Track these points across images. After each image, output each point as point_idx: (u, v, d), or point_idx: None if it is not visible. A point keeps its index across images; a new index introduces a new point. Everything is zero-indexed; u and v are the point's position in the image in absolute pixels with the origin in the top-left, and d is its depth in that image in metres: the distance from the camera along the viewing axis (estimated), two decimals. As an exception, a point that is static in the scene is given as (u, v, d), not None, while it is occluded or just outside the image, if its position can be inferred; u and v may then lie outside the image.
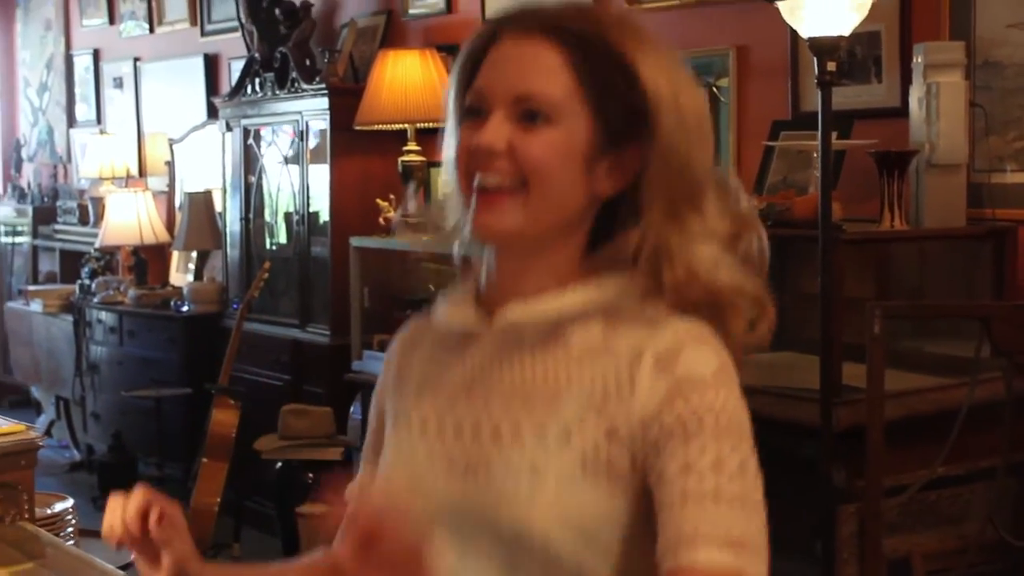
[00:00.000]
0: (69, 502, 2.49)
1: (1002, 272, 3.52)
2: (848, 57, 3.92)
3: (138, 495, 1.39)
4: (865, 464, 3.03)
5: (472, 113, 1.41)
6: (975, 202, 3.62)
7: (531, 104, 1.37)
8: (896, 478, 3.12)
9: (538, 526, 1.31)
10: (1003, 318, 3.03)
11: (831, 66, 2.99)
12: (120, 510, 1.38)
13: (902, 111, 3.74)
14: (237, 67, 6.57)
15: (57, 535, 2.19)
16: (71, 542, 2.32)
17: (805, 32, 3.07)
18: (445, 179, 1.49)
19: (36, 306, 7.82)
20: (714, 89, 4.54)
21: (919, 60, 3.53)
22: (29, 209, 8.58)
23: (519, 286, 1.43)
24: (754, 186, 4.07)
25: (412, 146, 5.15)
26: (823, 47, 2.99)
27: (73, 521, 2.67)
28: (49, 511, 2.57)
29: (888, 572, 3.08)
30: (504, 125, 1.37)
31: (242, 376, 5.71)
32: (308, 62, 5.84)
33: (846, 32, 3.03)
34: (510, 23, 1.41)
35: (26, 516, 1.86)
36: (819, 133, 3.09)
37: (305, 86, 5.70)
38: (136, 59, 7.82)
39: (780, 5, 3.08)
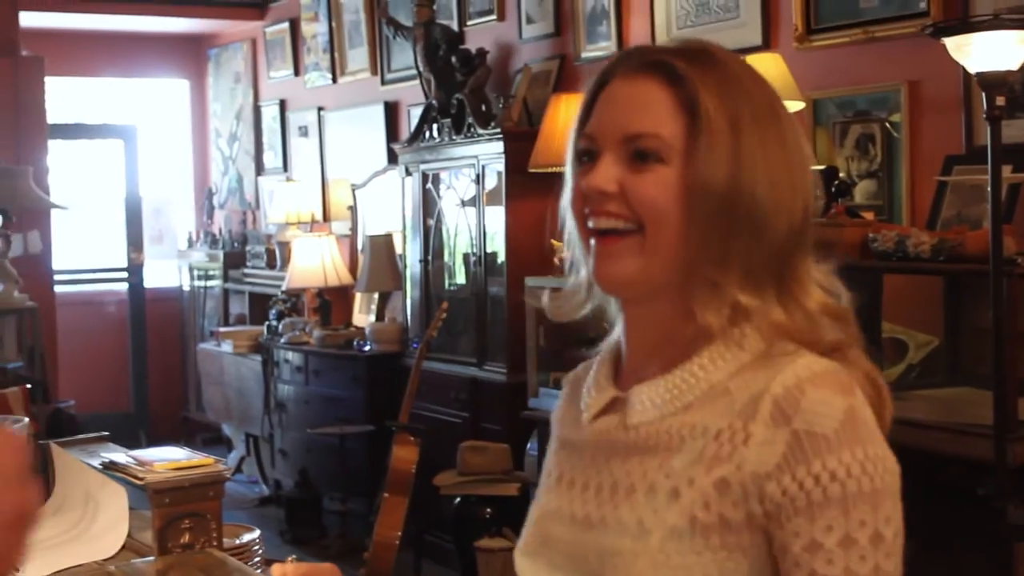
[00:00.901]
0: (256, 533, 2.61)
1: None
2: (1022, 90, 3.87)
3: (293, 572, 1.50)
4: (1042, 500, 2.99)
5: (585, 157, 1.39)
6: None
7: (640, 144, 1.34)
8: (1074, 515, 3.07)
9: None
10: None
11: (1000, 100, 2.98)
12: None
13: (1080, 143, 3.69)
14: (415, 114, 6.75)
15: (245, 564, 2.31)
16: (258, 571, 2.44)
17: (973, 67, 3.06)
18: (566, 228, 1.45)
19: (227, 347, 8.12)
20: (887, 124, 4.52)
21: (1094, 91, 3.48)
22: (220, 254, 8.92)
23: (645, 352, 1.41)
24: (927, 221, 4.04)
25: (585, 187, 5.21)
26: (991, 82, 2.98)
27: (260, 551, 2.79)
28: (237, 541, 2.69)
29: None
30: (614, 167, 1.35)
31: (422, 413, 5.84)
32: (484, 107, 5.98)
33: (1014, 67, 3.02)
34: (621, 64, 1.40)
35: (215, 543, 1.97)
36: (989, 168, 3.07)
37: (481, 131, 5.83)
38: (320, 108, 8.09)
39: (947, 41, 3.08)
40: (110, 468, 2.08)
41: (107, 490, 2.08)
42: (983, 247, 3.36)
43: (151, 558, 1.93)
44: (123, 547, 2.02)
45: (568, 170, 1.42)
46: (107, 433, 2.33)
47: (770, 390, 1.28)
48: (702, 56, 1.36)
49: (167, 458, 2.00)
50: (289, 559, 1.58)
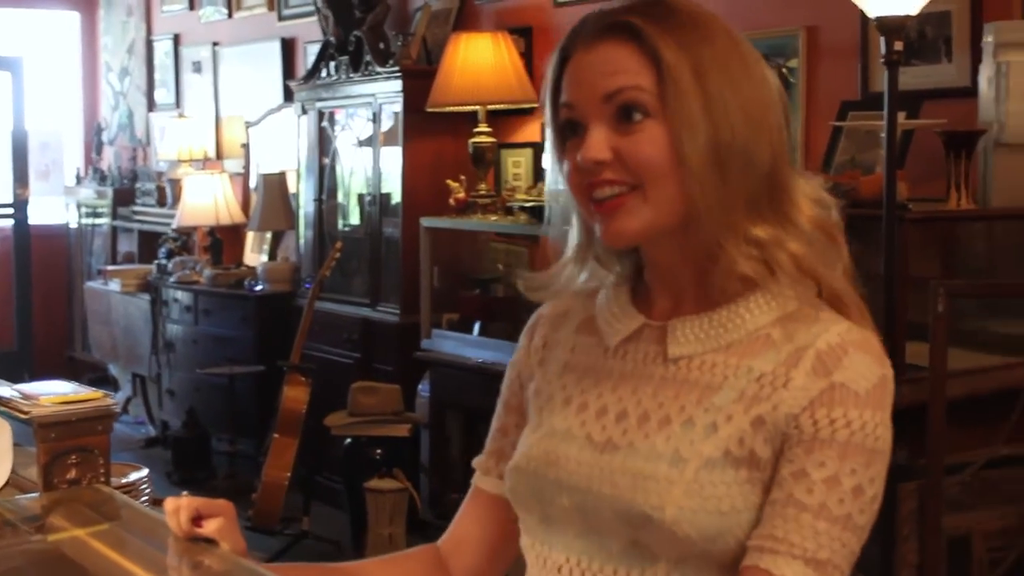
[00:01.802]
0: (144, 471, 2.56)
1: (1070, 252, 3.50)
2: (918, 37, 3.91)
3: (187, 506, 1.49)
4: (926, 442, 3.04)
5: (570, 131, 1.40)
6: (1044, 182, 3.59)
7: (622, 98, 1.36)
8: (957, 456, 3.13)
9: (670, 510, 1.32)
10: (1069, 298, 3.03)
11: (898, 46, 3.00)
12: (175, 520, 1.50)
13: (971, 91, 3.73)
14: (313, 51, 6.65)
15: (133, 501, 2.26)
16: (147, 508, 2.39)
17: (872, 12, 3.07)
18: (557, 209, 1.49)
19: (114, 286, 7.97)
20: (784, 70, 4.54)
21: (989, 39, 3.52)
22: (109, 191, 8.73)
23: (680, 291, 1.44)
24: (821, 166, 4.08)
25: (483, 128, 5.19)
26: (890, 27, 2.99)
27: (148, 490, 2.74)
28: (124, 480, 2.64)
29: (948, 550, 3.09)
30: (603, 133, 1.36)
31: (313, 354, 5.80)
32: (382, 45, 5.90)
33: (913, 12, 3.04)
34: (579, 36, 1.41)
35: (102, 479, 1.92)
36: (885, 113, 3.09)
37: (379, 69, 5.76)
38: (215, 44, 7.93)
39: (847, -16, 3.09)
40: (-8, 401, 2.01)
41: (-11, 424, 2.02)
42: (876, 192, 3.40)
43: (35, 494, 1.88)
44: (6, 483, 1.96)
45: (551, 150, 1.44)
46: (-11, 366, 2.26)
47: (815, 344, 1.34)
48: (656, 9, 1.38)
49: (53, 392, 1.94)
50: (183, 494, 1.56)
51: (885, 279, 3.08)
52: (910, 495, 3.08)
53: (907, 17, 3.03)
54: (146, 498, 2.64)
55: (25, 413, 1.90)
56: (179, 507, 1.49)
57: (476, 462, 1.62)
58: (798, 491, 1.30)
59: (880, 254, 3.23)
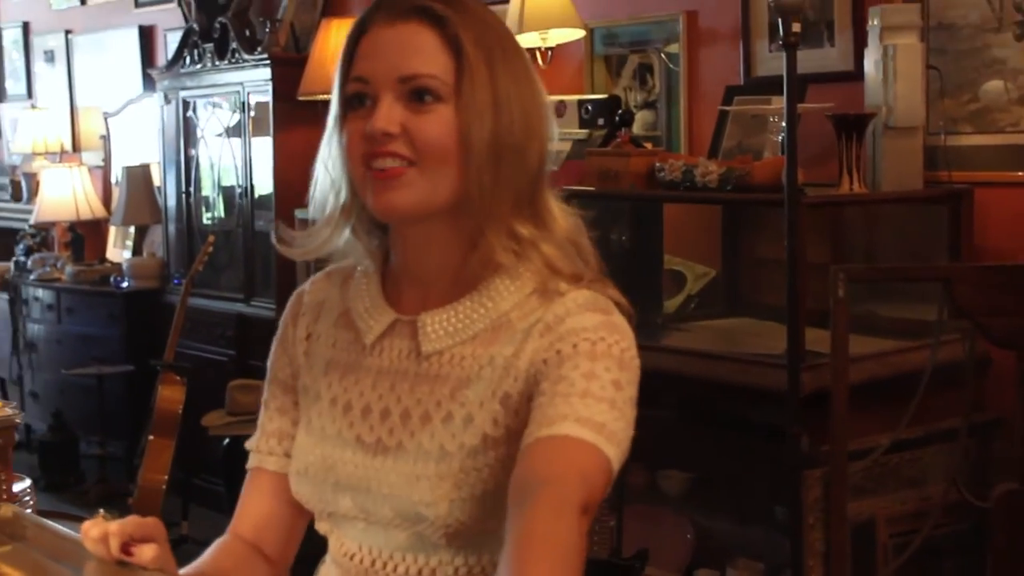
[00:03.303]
0: (27, 481, 2.42)
1: (959, 234, 3.52)
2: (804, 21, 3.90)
3: (117, 532, 1.38)
4: (828, 429, 3.02)
5: (357, 101, 1.44)
6: (931, 165, 3.61)
7: (417, 83, 1.41)
8: (859, 442, 3.12)
9: (443, 505, 1.39)
10: (965, 279, 3.03)
11: (796, 27, 2.97)
12: (102, 548, 1.38)
13: (855, 74, 3.74)
14: (173, 39, 6.46)
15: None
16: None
17: (767, -6, 3.04)
18: (325, 176, 1.51)
19: (-30, 285, 7.66)
20: (663, 55, 4.51)
21: (875, 23, 3.51)
22: (-41, 186, 8.41)
23: (429, 280, 1.50)
24: (708, 152, 4.05)
25: (357, 116, 5.07)
26: (787, 7, 2.96)
27: (31, 501, 2.60)
28: (3, 492, 2.50)
29: (852, 536, 3.08)
30: (394, 108, 1.41)
31: (187, 352, 5.62)
32: (248, 32, 5.75)
33: (809, -7, 3.01)
34: (380, 11, 1.45)
35: (4, 497, 1.78)
36: (784, 96, 3.07)
37: (246, 56, 5.60)
38: (68, 31, 7.67)
39: (740, -33, 3.06)
40: None
41: None
42: (769, 177, 3.38)
43: (-76, 518, 1.74)
44: None
45: (332, 115, 1.48)
46: None
47: (543, 318, 1.43)
48: (455, 1, 1.45)
49: (-62, 408, 1.80)
50: (100, 514, 1.43)
51: (788, 265, 3.05)
52: (815, 483, 3.06)
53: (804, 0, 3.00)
54: (30, 509, 2.49)
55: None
56: (107, 533, 1.37)
57: (253, 444, 1.63)
58: (561, 388, 1.35)
59: (771, 240, 3.21)
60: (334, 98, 1.49)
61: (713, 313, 4.13)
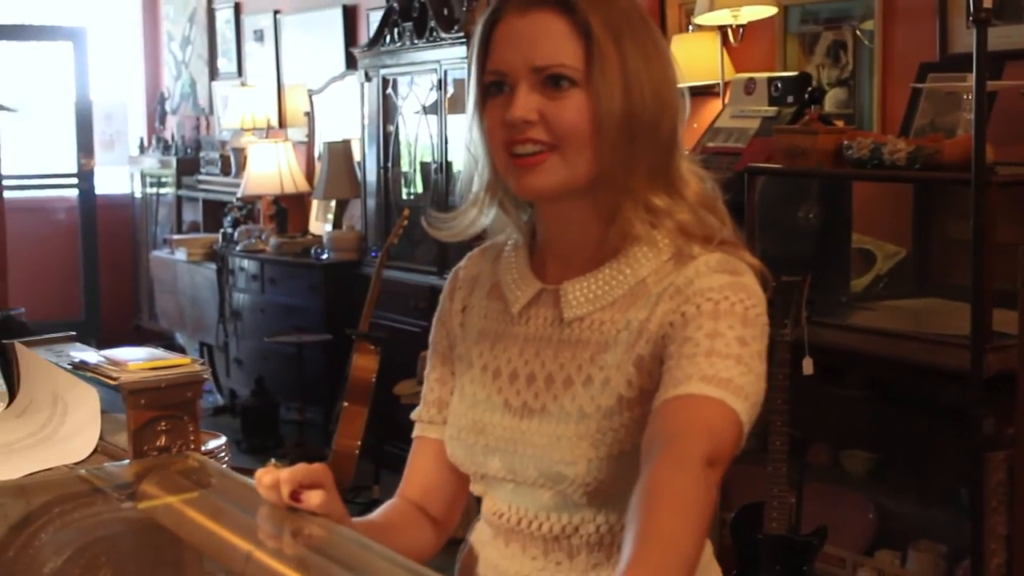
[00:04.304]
0: (222, 439, 2.54)
1: None
2: (1000, -3, 3.81)
3: (287, 479, 1.47)
4: (1015, 411, 2.98)
5: (495, 88, 1.50)
6: None
7: (551, 71, 1.47)
8: (1047, 425, 3.06)
9: (581, 464, 1.46)
10: None
11: (987, 3, 2.92)
12: (274, 494, 1.47)
13: (1057, 51, 3.65)
14: (375, 18, 6.62)
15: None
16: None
17: (959, -32, 3.00)
18: (468, 159, 1.59)
19: (180, 255, 8.00)
20: (857, 32, 4.46)
21: (1077, -3, 3.42)
22: (173, 160, 8.77)
23: (572, 252, 1.56)
24: (900, 130, 4.00)
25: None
26: (978, -17, 2.91)
27: (226, 458, 2.74)
28: (203, 448, 2.64)
29: (1037, 520, 3.03)
30: (531, 96, 1.47)
31: (381, 322, 5.79)
32: (446, 11, 5.85)
33: (1001, -32, 2.95)
34: (510, 1, 1.50)
35: (192, 447, 1.90)
36: (974, 73, 3.02)
37: (444, 35, 5.72)
38: (276, 12, 7.91)
39: (932, -59, 3.01)
40: (80, 368, 1.99)
41: (77, 391, 2.00)
42: (959, 155, 3.33)
43: (126, 461, 1.86)
44: (95, 450, 1.94)
45: (472, 101, 1.54)
46: (74, 333, 2.25)
47: (675, 282, 1.48)
48: None
49: (141, 357, 1.92)
50: (272, 464, 1.53)
51: (973, 245, 3.01)
52: (999, 465, 3.02)
53: (997, -26, 2.95)
54: (225, 466, 2.63)
55: (114, 379, 1.88)
56: (277, 481, 1.47)
57: (417, 414, 1.73)
58: (686, 350, 1.39)
59: (962, 219, 3.16)
60: (472, 84, 1.54)
61: (902, 293, 4.07)
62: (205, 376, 1.91)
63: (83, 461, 1.92)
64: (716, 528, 3.57)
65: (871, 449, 3.86)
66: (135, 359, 1.91)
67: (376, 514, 1.69)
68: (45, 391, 2.07)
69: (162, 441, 1.86)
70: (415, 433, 1.72)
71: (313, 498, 1.47)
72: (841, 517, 3.74)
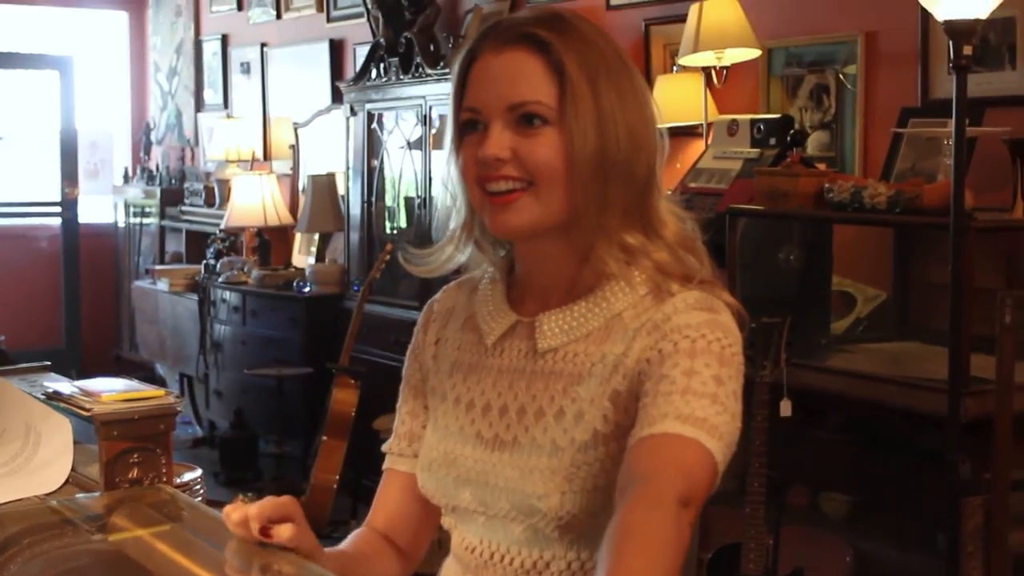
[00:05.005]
0: (198, 471, 2.54)
1: None
2: (981, 44, 3.84)
3: (256, 515, 1.48)
4: (992, 456, 2.98)
5: (471, 126, 1.52)
6: (1111, 192, 3.52)
7: (524, 109, 1.48)
8: (1023, 471, 3.06)
9: (554, 497, 1.46)
10: None
11: (967, 50, 2.94)
12: (243, 530, 1.48)
13: (1037, 99, 3.67)
14: (362, 52, 6.64)
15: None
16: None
17: (941, 15, 3.02)
18: (445, 195, 1.61)
19: (162, 285, 7.98)
20: (840, 76, 4.49)
21: (1057, 46, 3.45)
22: (157, 191, 8.74)
23: (548, 288, 1.57)
24: (881, 174, 4.02)
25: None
26: (959, 30, 2.94)
27: (201, 491, 2.73)
28: (178, 480, 2.63)
29: (1013, 567, 3.02)
30: (504, 134, 1.49)
31: (362, 357, 5.77)
32: (432, 47, 5.88)
33: (983, 15, 2.98)
34: (487, 40, 1.52)
35: (164, 480, 1.90)
36: (953, 119, 3.04)
37: (429, 71, 5.74)
38: (263, 44, 7.93)
39: (914, -12, 3.04)
40: (54, 398, 1.99)
41: (50, 421, 2.00)
42: (940, 200, 3.34)
43: (97, 493, 1.86)
44: (67, 481, 1.94)
45: (450, 140, 1.56)
46: (48, 363, 2.24)
47: (652, 318, 1.49)
48: (558, 23, 1.51)
49: (114, 389, 1.92)
50: (239, 498, 1.53)
51: (952, 290, 3.02)
52: (976, 510, 3.02)
53: (976, 21, 2.97)
54: (199, 499, 2.62)
55: (87, 410, 1.88)
56: (246, 517, 1.46)
57: (388, 446, 1.74)
58: (662, 387, 1.39)
59: (942, 264, 3.17)
60: (450, 122, 1.56)
61: (882, 336, 4.08)
62: (179, 408, 1.91)
63: (54, 492, 1.91)
64: (693, 569, 3.55)
65: (849, 492, 3.86)
66: (109, 390, 1.91)
67: (346, 544, 1.70)
68: (18, 421, 2.06)
69: (134, 473, 1.86)
70: (385, 465, 1.74)
71: (283, 532, 1.47)
72: (818, 559, 3.73)
